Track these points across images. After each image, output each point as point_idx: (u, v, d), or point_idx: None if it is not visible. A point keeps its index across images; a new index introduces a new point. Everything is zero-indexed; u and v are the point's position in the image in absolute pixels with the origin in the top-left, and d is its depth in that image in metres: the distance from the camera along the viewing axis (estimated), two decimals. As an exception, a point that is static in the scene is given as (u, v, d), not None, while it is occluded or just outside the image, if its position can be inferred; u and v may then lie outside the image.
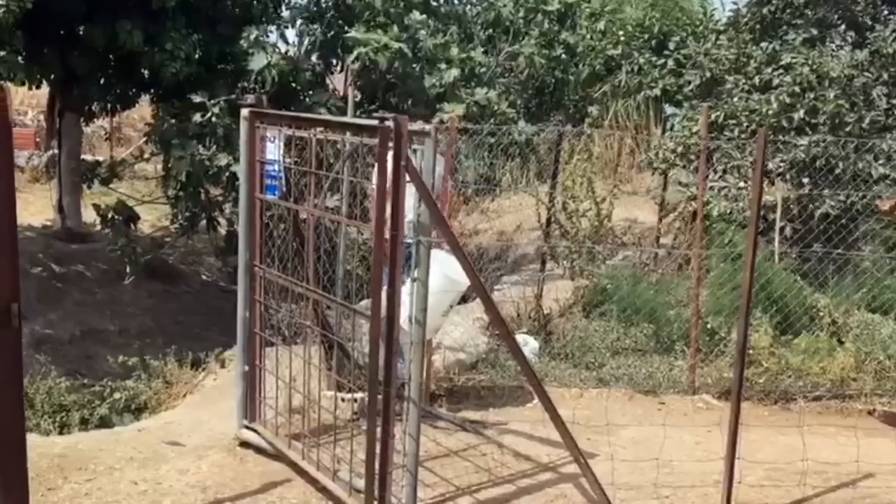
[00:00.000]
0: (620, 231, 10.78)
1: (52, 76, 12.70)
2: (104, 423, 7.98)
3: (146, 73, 12.22)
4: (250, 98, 5.90)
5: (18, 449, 4.67)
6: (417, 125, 4.96)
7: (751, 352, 7.63)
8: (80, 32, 11.68)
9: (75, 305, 12.47)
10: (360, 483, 5.12)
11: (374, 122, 4.70)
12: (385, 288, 4.72)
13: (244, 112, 5.76)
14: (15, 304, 4.53)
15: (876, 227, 9.70)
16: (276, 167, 5.71)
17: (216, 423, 6.68)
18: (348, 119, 5.94)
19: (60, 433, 7.51)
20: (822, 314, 8.45)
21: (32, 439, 5.93)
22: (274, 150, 5.67)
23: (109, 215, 11.81)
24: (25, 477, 4.73)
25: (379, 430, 4.82)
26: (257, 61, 10.65)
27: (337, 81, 13.68)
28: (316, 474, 5.39)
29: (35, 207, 16.01)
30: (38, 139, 21.00)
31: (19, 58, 10.64)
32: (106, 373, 9.47)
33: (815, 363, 7.72)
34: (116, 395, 8.32)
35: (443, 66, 11.39)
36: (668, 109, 16.67)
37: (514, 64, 12.74)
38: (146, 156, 14.46)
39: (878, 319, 8.38)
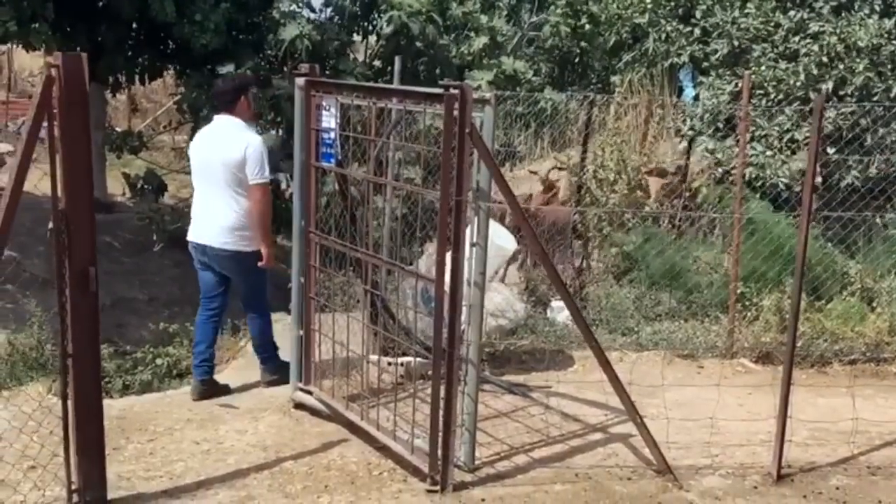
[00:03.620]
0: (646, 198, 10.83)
1: (78, 47, 12.74)
2: (146, 388, 8.13)
3: (171, 44, 12.31)
4: (304, 67, 5.99)
5: (97, 411, 4.84)
6: (477, 94, 5.04)
7: (787, 316, 7.77)
8: (107, 3, 11.73)
9: (104, 275, 12.46)
10: (419, 442, 5.28)
11: (439, 91, 4.79)
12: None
13: (299, 81, 5.87)
14: (92, 269, 4.67)
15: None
16: (332, 135, 5.82)
17: (265, 386, 6.83)
18: (412, 87, 6.01)
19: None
20: (853, 280, 8.58)
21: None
22: (329, 119, 5.77)
23: (139, 184, 11.91)
24: (103, 438, 4.91)
25: (443, 390, 4.98)
26: (289, 31, 10.70)
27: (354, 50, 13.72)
28: (376, 434, 5.54)
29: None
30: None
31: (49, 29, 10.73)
32: (138, 340, 9.61)
33: (849, 328, 7.85)
34: (158, 361, 8.44)
35: (471, 34, 11.45)
36: (686, 80, 16.72)
37: (540, 34, 12.81)
38: (173, 125, 14.53)
39: (909, 285, 8.51)
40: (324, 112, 5.79)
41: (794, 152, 10.42)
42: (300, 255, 6.08)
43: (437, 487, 5.04)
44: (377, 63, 12.69)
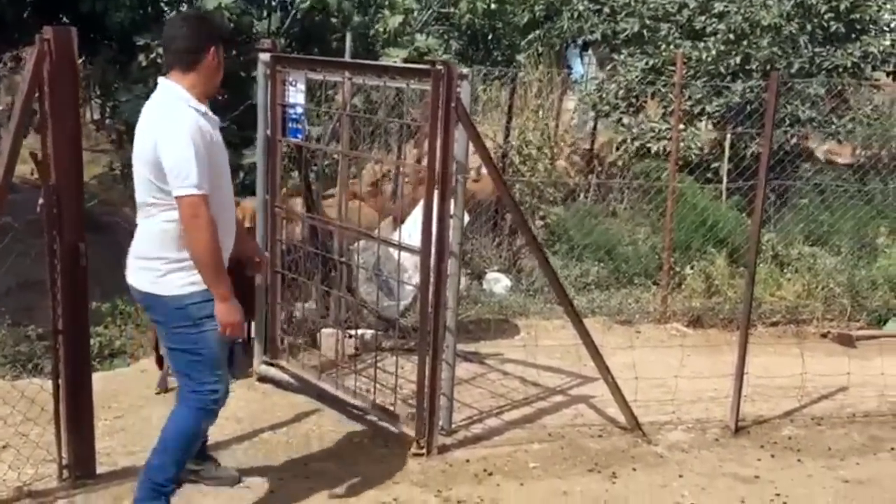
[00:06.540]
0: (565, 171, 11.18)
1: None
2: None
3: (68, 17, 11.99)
4: (266, 43, 6.03)
5: (86, 386, 4.84)
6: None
7: (716, 283, 8.24)
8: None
9: (7, 255, 12.21)
10: (400, 408, 5.47)
11: (425, 66, 4.94)
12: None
13: (263, 57, 5.88)
14: (82, 244, 4.65)
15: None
16: (298, 110, 5.88)
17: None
18: (395, 64, 6.11)
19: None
20: (764, 248, 9.11)
21: (42, 383, 6.03)
22: (297, 94, 5.83)
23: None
24: (92, 413, 4.92)
25: (428, 357, 5.16)
26: (210, 3, 10.56)
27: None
28: (354, 402, 5.67)
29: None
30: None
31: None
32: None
33: (768, 293, 8.36)
34: (90, 342, 8.31)
35: (386, 12, 11.56)
36: (573, 58, 17.20)
37: (456, 10, 13.01)
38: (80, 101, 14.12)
39: (817, 252, 9.11)
40: (290, 87, 5.85)
41: (692, 123, 10.93)
42: (265, 230, 6.12)
43: (423, 451, 5.22)
44: (280, 40, 12.61)
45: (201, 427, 4.37)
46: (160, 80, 4.16)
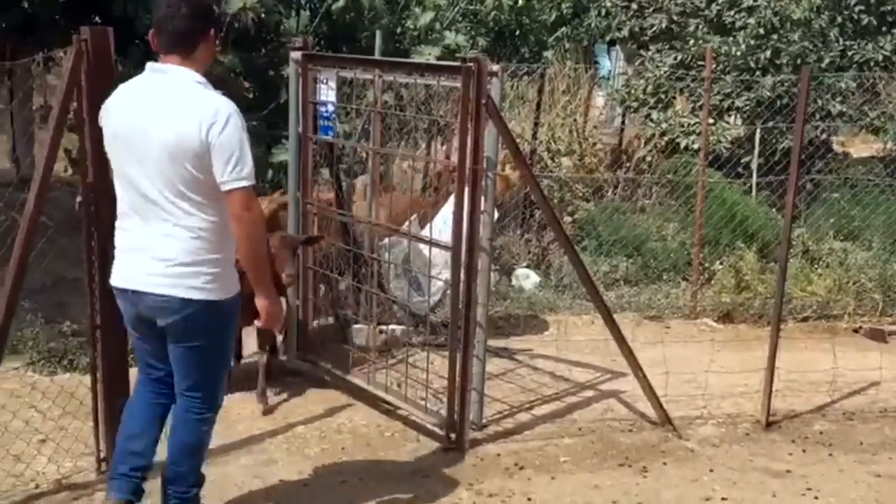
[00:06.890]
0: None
1: (4, 24, 12.42)
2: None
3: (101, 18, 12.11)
4: (298, 42, 6.10)
5: (124, 381, 4.91)
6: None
7: (746, 278, 8.23)
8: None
9: (41, 255, 12.34)
10: (432, 403, 5.52)
11: (456, 64, 4.98)
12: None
13: (295, 55, 5.96)
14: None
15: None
16: (330, 108, 5.93)
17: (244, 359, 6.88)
18: (428, 62, 6.17)
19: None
20: (795, 243, 9.07)
21: (80, 378, 6.12)
22: (328, 92, 5.89)
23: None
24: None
25: (459, 352, 5.20)
26: (234, 3, 10.62)
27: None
28: (386, 397, 5.73)
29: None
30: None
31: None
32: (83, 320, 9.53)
33: (799, 288, 8.33)
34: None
35: (417, 10, 11.60)
36: (601, 55, 17.20)
37: (482, 7, 13.04)
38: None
39: (849, 247, 9.07)
40: (322, 85, 5.91)
41: (721, 118, 10.90)
42: (296, 226, 6.19)
43: (454, 445, 5.27)
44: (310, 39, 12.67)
45: (205, 433, 4.15)
46: (157, 65, 3.85)
